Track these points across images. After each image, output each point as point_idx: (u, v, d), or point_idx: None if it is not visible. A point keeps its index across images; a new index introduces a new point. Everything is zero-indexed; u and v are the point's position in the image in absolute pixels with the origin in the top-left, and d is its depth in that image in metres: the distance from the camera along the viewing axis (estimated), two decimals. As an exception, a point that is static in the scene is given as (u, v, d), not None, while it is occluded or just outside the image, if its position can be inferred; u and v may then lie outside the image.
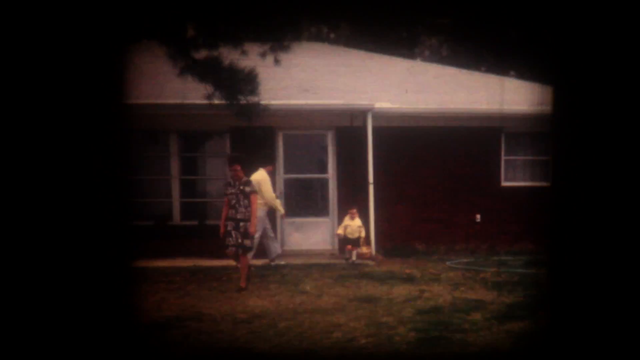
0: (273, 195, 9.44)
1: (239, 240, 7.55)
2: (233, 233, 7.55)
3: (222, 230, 7.64)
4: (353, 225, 10.17)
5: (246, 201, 7.56)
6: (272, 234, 9.74)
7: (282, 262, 9.41)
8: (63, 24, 2.28)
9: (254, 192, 7.67)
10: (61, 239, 2.33)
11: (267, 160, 9.69)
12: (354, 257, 9.97)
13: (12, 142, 2.25)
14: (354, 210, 10.26)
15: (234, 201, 7.57)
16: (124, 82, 2.52)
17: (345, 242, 10.22)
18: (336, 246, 11.48)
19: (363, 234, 10.24)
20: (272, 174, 9.82)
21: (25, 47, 2.24)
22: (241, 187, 7.59)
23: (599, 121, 2.37)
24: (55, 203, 2.31)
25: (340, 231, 10.25)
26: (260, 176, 9.21)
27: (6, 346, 2.27)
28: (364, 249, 10.29)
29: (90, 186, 2.38)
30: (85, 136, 2.35)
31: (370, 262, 10.03)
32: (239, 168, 7.65)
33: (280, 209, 9.82)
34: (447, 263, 9.86)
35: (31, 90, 2.27)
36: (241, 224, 7.56)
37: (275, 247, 9.73)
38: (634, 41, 2.31)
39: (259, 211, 9.01)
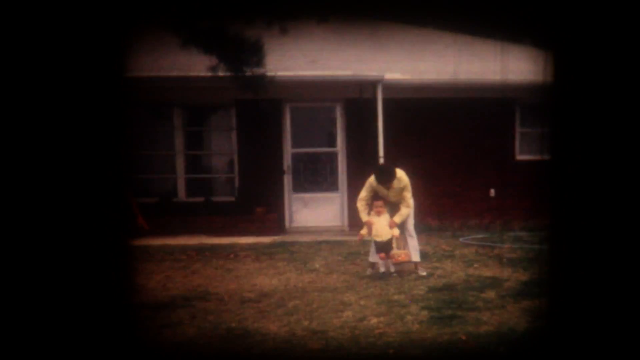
0: (360, 197, 7.23)
1: None
2: None
3: None
4: (381, 223, 7.14)
5: None
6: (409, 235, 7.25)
7: (424, 273, 7.01)
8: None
9: None
10: (59, 217, 2.32)
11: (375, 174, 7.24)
12: (383, 268, 6.98)
13: (8, 119, 2.23)
14: (381, 203, 7.13)
15: None
16: (124, 54, 2.48)
17: (377, 249, 7.10)
18: (346, 222, 11.49)
19: (396, 233, 7.09)
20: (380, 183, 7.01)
21: (21, 22, 2.21)
22: None
23: (604, 90, 2.31)
24: (53, 180, 2.29)
25: (363, 232, 7.23)
26: None
27: (4, 326, 2.28)
28: (400, 253, 7.09)
29: (90, 163, 2.36)
30: (84, 110, 2.33)
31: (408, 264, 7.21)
32: None
33: (361, 217, 7.24)
34: (461, 239, 9.84)
35: (28, 64, 2.24)
36: None
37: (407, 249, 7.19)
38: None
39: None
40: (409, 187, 7.08)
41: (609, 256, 2.35)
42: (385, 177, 7.02)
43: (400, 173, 7.01)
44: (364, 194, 7.18)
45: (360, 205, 7.18)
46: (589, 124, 2.34)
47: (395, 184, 6.99)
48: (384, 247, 7.00)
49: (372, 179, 7.10)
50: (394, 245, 7.07)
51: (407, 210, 7.06)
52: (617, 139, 2.30)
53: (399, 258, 7.07)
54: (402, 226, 7.08)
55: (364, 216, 7.16)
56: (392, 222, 6.99)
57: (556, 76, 2.41)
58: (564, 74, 2.40)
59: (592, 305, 2.39)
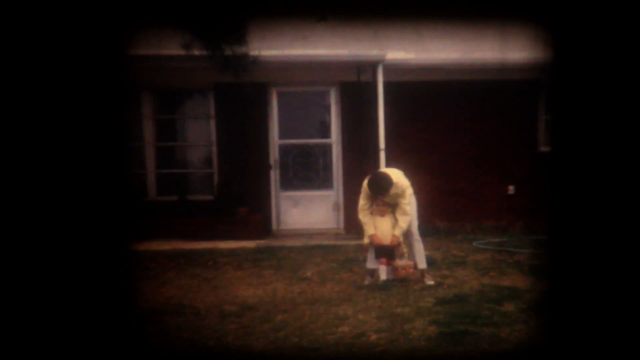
0: (360, 207, 7.10)
1: None
2: None
3: None
4: (384, 225, 7.01)
5: None
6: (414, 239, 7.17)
7: (432, 282, 6.96)
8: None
9: None
10: (51, 219, 2.37)
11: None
12: (384, 276, 6.88)
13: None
14: (383, 202, 6.99)
15: None
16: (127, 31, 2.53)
17: (378, 253, 6.97)
18: (342, 224, 11.48)
19: (398, 237, 6.96)
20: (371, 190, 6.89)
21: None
22: None
23: (608, 73, 2.33)
24: (47, 179, 2.34)
25: (366, 240, 7.03)
26: None
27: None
28: (404, 264, 6.90)
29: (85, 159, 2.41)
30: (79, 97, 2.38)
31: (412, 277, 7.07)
32: None
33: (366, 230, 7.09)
34: (474, 243, 9.86)
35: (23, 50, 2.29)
36: None
37: (412, 256, 7.08)
38: None
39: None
40: (407, 192, 6.97)
41: (613, 254, 2.38)
42: (377, 189, 6.89)
43: (397, 177, 6.90)
44: (362, 202, 7.05)
45: (363, 216, 7.03)
46: (594, 109, 2.37)
47: (392, 190, 6.85)
48: (386, 252, 6.90)
49: (365, 185, 6.99)
50: (398, 251, 6.94)
51: (406, 219, 6.93)
52: (619, 131, 2.33)
53: (403, 272, 6.90)
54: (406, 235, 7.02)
55: (370, 229, 6.98)
56: (394, 239, 6.89)
57: (556, 57, 2.45)
58: (566, 55, 2.44)
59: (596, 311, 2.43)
